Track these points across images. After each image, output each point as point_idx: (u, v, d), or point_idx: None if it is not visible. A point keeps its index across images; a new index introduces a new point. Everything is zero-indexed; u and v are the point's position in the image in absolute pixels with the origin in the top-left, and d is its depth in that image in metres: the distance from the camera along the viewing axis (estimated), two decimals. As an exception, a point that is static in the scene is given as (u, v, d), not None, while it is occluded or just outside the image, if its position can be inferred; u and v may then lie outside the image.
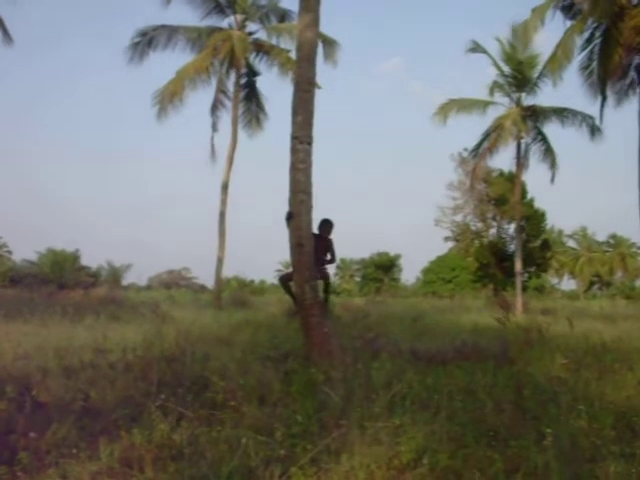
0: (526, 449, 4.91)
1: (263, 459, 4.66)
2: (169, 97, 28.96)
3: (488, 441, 5.13)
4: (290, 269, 10.74)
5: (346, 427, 5.27)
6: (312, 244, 10.22)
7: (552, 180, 33.05)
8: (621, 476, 4.35)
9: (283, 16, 31.15)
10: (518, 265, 34.04)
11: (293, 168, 10.25)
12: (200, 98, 31.33)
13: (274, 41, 30.89)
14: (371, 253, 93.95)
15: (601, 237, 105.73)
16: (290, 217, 10.14)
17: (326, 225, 11.87)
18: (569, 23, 25.98)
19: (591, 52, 25.43)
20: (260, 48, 31.06)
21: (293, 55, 25.63)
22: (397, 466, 4.59)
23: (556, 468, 4.33)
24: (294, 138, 10.28)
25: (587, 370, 8.54)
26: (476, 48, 32.60)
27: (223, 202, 29.32)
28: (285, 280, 11.74)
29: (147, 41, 29.08)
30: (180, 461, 4.75)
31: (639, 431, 5.57)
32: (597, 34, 25.04)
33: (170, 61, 76.48)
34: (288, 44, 30.00)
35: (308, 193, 10.24)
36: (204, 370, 7.75)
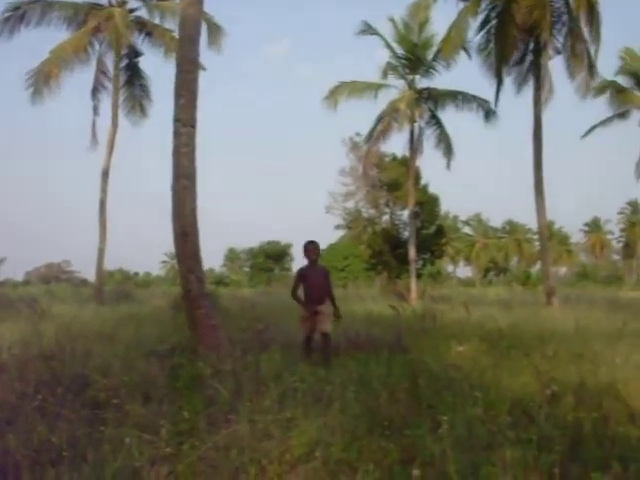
0: (421, 438, 4.87)
1: (148, 458, 4.45)
2: (44, 78, 27.37)
3: (383, 431, 5.06)
4: (304, 335, 9.43)
5: (235, 422, 5.11)
6: (197, 232, 9.94)
7: (448, 165, 33.38)
8: (517, 462, 4.35)
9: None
10: (412, 252, 34.29)
11: (176, 152, 9.96)
12: (81, 80, 30.04)
13: (157, 20, 29.89)
14: (260, 242, 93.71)
15: (497, 223, 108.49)
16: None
17: (314, 246, 9.79)
18: (462, 5, 26.44)
19: (488, 33, 25.97)
20: (143, 27, 29.93)
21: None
22: (289, 460, 4.47)
23: (452, 456, 4.29)
24: (177, 121, 10.01)
25: (483, 357, 8.65)
26: (367, 30, 32.21)
27: (103, 190, 28.15)
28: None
29: (19, 16, 27.24)
30: (60, 465, 4.47)
31: (535, 417, 5.62)
32: (493, 15, 25.59)
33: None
34: (172, 24, 28.86)
35: (192, 178, 9.97)
36: (85, 368, 7.41)
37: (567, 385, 6.51)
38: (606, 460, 4.38)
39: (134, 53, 30.51)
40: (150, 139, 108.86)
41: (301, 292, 9.65)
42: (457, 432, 5.02)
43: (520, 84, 26.29)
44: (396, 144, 37.55)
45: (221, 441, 4.74)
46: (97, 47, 29.36)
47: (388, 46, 33.09)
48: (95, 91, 29.81)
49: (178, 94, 10.12)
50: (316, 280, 9.57)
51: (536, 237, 65.57)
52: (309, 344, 9.44)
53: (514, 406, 6.06)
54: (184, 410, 5.32)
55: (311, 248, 9.71)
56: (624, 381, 6.75)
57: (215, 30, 29.13)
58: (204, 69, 26.41)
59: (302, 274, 9.66)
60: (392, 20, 33.24)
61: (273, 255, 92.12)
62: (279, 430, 4.85)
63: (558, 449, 4.67)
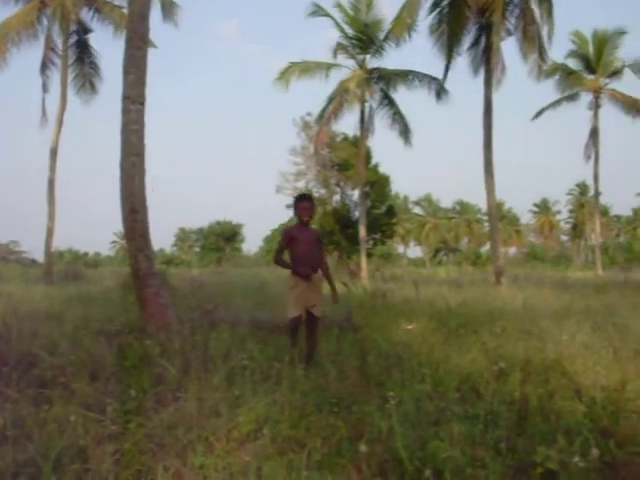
0: (370, 415, 4.89)
1: (94, 437, 4.39)
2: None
3: (331, 409, 5.06)
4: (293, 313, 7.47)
5: (183, 400, 5.08)
6: (146, 211, 9.82)
7: (407, 143, 33.21)
8: (464, 436, 4.40)
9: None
10: (362, 232, 34.47)
11: (125, 129, 9.79)
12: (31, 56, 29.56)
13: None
14: (211, 222, 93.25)
15: (447, 204, 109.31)
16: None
17: (309, 204, 7.86)
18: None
19: (440, 14, 26.06)
20: (92, 3, 29.28)
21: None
22: (237, 438, 4.46)
23: (400, 432, 4.31)
24: (126, 98, 9.84)
25: (432, 335, 8.70)
26: (318, 11, 32.30)
27: (52, 169, 27.74)
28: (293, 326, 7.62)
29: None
30: (4, 445, 4.39)
31: (483, 392, 5.68)
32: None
33: None
34: (122, 1, 28.18)
35: (141, 156, 9.84)
36: (32, 347, 7.31)
37: (515, 362, 6.58)
38: (552, 434, 4.43)
39: (83, 30, 29.91)
40: (101, 117, 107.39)
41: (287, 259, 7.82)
42: (405, 408, 5.06)
43: (477, 66, 26.40)
44: (348, 124, 37.63)
45: (168, 419, 4.71)
46: (45, 23, 28.70)
47: (338, 26, 33.06)
48: (44, 68, 29.20)
49: (127, 71, 9.95)
50: (307, 245, 7.66)
51: (486, 218, 66.31)
52: (296, 327, 7.54)
53: (462, 382, 6.14)
54: (131, 389, 5.25)
55: (304, 206, 7.76)
56: (570, 358, 6.85)
57: (169, 5, 28.68)
58: (155, 46, 26.19)
59: (290, 235, 7.72)
60: (339, 5, 33.30)
61: (224, 235, 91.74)
62: (227, 408, 4.84)
63: (505, 424, 4.75)
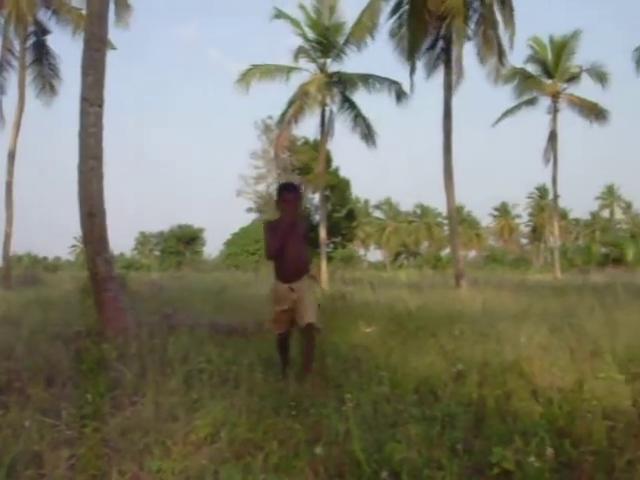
0: (327, 417, 4.89)
1: (49, 443, 4.35)
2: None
3: (289, 411, 5.06)
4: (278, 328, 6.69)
5: (140, 404, 5.04)
6: (104, 214, 9.75)
7: (372, 145, 33.26)
8: (422, 438, 4.41)
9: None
10: (323, 235, 34.62)
11: (83, 132, 9.72)
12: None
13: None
14: (171, 226, 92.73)
15: (407, 207, 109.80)
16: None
17: (295, 195, 6.57)
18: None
19: (400, 18, 26.22)
20: (49, 4, 29.00)
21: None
22: (194, 441, 4.43)
23: (357, 434, 4.32)
24: (84, 100, 9.76)
25: (391, 337, 8.73)
26: (279, 15, 32.46)
27: (9, 172, 27.57)
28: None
29: None
30: (-44, 450, 4.33)
31: (441, 395, 5.71)
32: (405, 0, 25.79)
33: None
34: (80, 2, 27.83)
35: (99, 159, 9.76)
36: (-14, 352, 7.23)
37: (472, 363, 6.63)
38: (508, 435, 4.47)
39: (42, 31, 29.62)
40: (59, 119, 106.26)
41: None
42: (363, 411, 5.07)
43: (431, 69, 26.63)
44: (308, 127, 37.74)
45: (125, 423, 4.67)
46: (2, 23, 28.40)
47: (300, 30, 33.19)
48: (0, 69, 28.85)
49: (85, 72, 9.87)
50: (294, 242, 6.43)
51: (446, 221, 66.75)
52: (285, 342, 6.81)
53: (420, 385, 6.15)
54: (88, 393, 5.21)
55: (289, 198, 6.44)
56: (528, 359, 6.90)
57: (123, 6, 28.45)
58: (114, 48, 26.01)
59: (274, 228, 6.47)
60: (302, 7, 33.40)
61: (184, 239, 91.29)
62: (184, 411, 4.81)
63: (462, 425, 4.77)
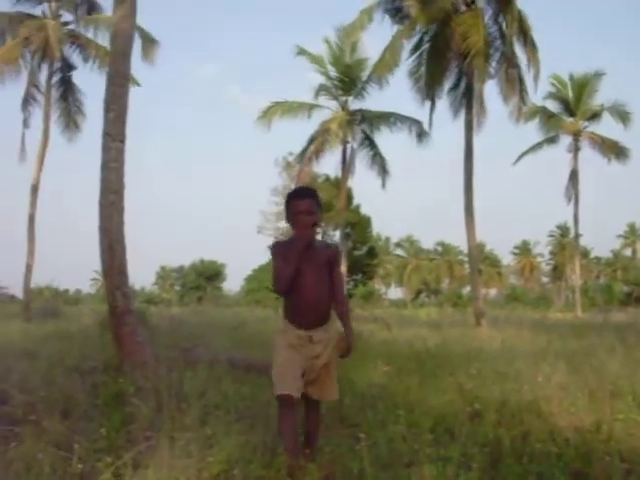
0: (341, 456, 4.85)
1: (61, 476, 4.35)
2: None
3: (303, 450, 5.00)
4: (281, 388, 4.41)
5: (154, 439, 5.02)
6: (124, 248, 9.80)
7: (383, 185, 33.62)
8: (436, 479, 4.36)
9: (92, 7, 29.43)
10: (343, 272, 34.27)
11: (104, 167, 9.81)
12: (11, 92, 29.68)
13: (91, 33, 29.49)
14: (193, 261, 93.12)
15: (428, 245, 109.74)
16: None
17: (308, 204, 4.64)
18: (397, 27, 26.68)
19: (420, 57, 26.25)
20: (76, 40, 29.55)
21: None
22: (207, 478, 4.41)
23: (371, 473, 4.28)
24: (106, 135, 9.86)
25: (409, 376, 8.66)
26: (302, 52, 32.87)
27: (32, 204, 27.88)
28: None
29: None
30: (-32, 483, 4.34)
31: (457, 434, 5.64)
32: (426, 39, 25.92)
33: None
34: (106, 38, 28.21)
35: (120, 194, 9.83)
36: (4, 384, 7.23)
37: (490, 403, 6.57)
38: (524, 476, 4.43)
39: (67, 67, 30.05)
40: (82, 155, 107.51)
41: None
42: (378, 450, 5.03)
43: (457, 107, 26.57)
44: (329, 165, 37.89)
45: (138, 458, 4.65)
46: (29, 59, 28.83)
47: (322, 68, 33.49)
48: (26, 103, 29.22)
49: (108, 108, 9.99)
50: (312, 271, 4.50)
51: (467, 259, 66.67)
52: (291, 409, 4.46)
53: (437, 424, 6.09)
54: (103, 427, 5.20)
55: (303, 206, 4.60)
56: (546, 399, 6.83)
57: (149, 43, 28.82)
58: (139, 85, 26.37)
59: (284, 250, 4.54)
60: (327, 42, 33.62)
61: (205, 274, 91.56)
62: (199, 447, 4.78)
63: (478, 466, 4.71)
